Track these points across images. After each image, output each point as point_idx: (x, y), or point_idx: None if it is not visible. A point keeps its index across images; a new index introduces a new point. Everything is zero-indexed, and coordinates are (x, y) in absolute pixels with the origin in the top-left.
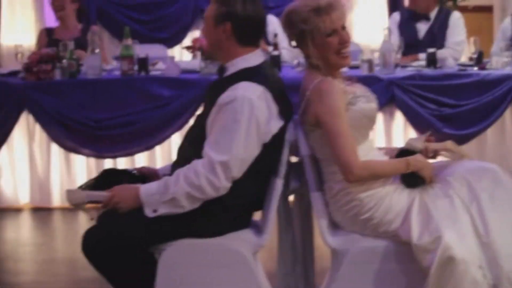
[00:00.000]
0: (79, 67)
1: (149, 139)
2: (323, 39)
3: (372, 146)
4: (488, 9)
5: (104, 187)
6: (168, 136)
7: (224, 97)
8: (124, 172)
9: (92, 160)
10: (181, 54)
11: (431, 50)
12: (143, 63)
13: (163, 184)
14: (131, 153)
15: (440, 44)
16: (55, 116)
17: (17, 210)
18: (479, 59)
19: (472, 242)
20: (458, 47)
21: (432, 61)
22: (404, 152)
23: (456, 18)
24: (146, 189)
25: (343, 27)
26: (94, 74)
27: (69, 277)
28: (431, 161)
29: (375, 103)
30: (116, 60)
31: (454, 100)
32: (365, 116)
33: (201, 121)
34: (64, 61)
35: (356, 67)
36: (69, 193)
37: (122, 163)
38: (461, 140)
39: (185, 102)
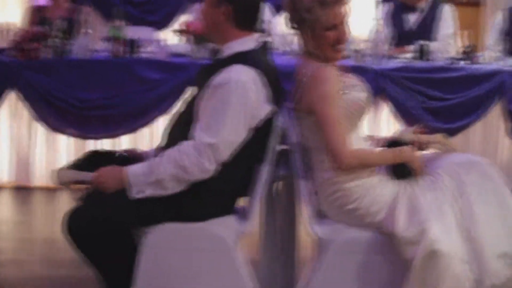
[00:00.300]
0: (70, 46)
1: (134, 121)
2: (322, 32)
3: (362, 136)
4: (478, 4)
5: (89, 168)
6: (153, 119)
7: (218, 79)
8: (110, 153)
9: (75, 141)
10: (171, 37)
11: (422, 42)
12: (132, 45)
13: (149, 165)
14: (115, 135)
15: (430, 36)
16: (43, 95)
17: None
18: (470, 53)
19: (458, 236)
20: (449, 39)
21: (422, 53)
22: (393, 143)
23: (447, 11)
24: (132, 170)
25: (344, 23)
26: (83, 54)
27: (47, 256)
28: (420, 153)
29: (367, 93)
30: (104, 41)
31: (442, 93)
32: (358, 105)
33: (192, 105)
34: (55, 40)
35: (345, 57)
36: (58, 172)
37: (106, 144)
38: (448, 133)
39: (173, 86)
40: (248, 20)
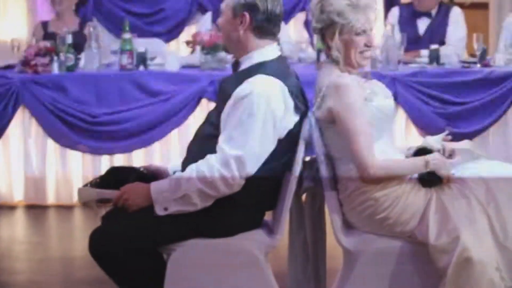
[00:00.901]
0: (77, 61)
1: (147, 135)
2: (351, 36)
3: (389, 142)
4: (484, 6)
5: (111, 185)
6: (167, 132)
7: (240, 90)
8: (132, 170)
9: (88, 157)
10: (178, 48)
11: (434, 46)
12: (142, 57)
13: (175, 181)
14: (129, 150)
15: (441, 40)
16: (52, 111)
17: (12, 208)
18: (482, 56)
19: (490, 244)
20: (460, 43)
21: (435, 57)
22: (421, 151)
23: (457, 14)
24: (156, 187)
25: (372, 29)
26: (92, 69)
27: (65, 276)
28: (448, 160)
29: (392, 100)
30: (114, 54)
31: (458, 98)
32: (382, 113)
33: (214, 117)
34: (62, 54)
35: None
36: (80, 191)
37: (119, 160)
38: (464, 138)
39: (185, 98)
40: (268, 28)
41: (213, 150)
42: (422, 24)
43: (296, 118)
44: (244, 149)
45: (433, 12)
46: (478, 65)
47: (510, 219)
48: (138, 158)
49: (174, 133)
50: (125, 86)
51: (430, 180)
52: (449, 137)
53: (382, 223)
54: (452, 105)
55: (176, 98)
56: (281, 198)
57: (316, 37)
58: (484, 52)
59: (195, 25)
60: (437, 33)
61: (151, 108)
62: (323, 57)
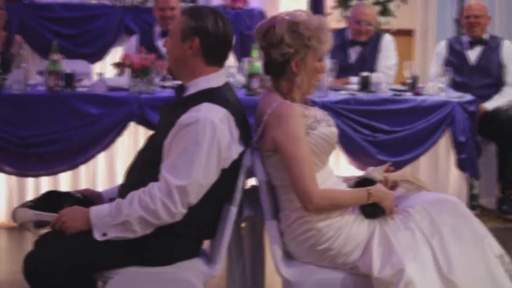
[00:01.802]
0: (4, 81)
1: (74, 158)
2: (314, 62)
3: (331, 172)
4: (409, 33)
5: (46, 209)
6: (94, 156)
7: (185, 118)
8: (67, 194)
9: (14, 179)
10: (104, 69)
11: (364, 73)
12: (70, 79)
13: (115, 206)
14: (55, 172)
15: (371, 68)
16: None
17: None
18: (413, 84)
19: (434, 276)
20: (390, 71)
21: (365, 84)
22: (363, 181)
23: (388, 42)
24: (96, 211)
25: None
26: (19, 89)
27: None
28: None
29: (335, 127)
30: (40, 75)
31: (389, 126)
32: (325, 141)
33: (155, 142)
34: None
35: None
36: (17, 211)
37: (45, 182)
38: (395, 166)
39: (113, 121)
40: (217, 54)
41: (153, 177)
42: (353, 52)
43: (240, 148)
44: (187, 179)
45: (366, 40)
46: (409, 94)
47: (454, 251)
48: (64, 181)
49: (101, 156)
50: (53, 108)
51: (373, 211)
52: (392, 168)
53: (324, 254)
54: (383, 133)
55: (104, 120)
56: (220, 227)
57: (247, 63)
58: (416, 80)
59: (121, 47)
60: (368, 61)
61: (79, 130)
62: (254, 83)
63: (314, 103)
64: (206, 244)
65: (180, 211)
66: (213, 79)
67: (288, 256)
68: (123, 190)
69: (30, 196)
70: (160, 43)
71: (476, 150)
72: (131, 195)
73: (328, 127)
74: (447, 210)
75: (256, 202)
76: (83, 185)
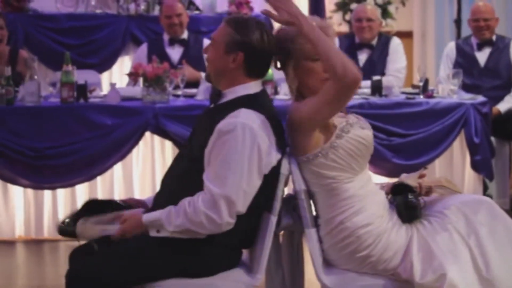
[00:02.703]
0: (16, 93)
1: (90, 169)
2: (308, 63)
3: (370, 178)
4: (408, 35)
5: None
6: (110, 166)
7: (224, 124)
8: (109, 202)
9: (30, 192)
10: (111, 79)
11: (376, 77)
12: (82, 90)
13: (166, 215)
14: (71, 184)
15: (381, 71)
16: None
17: None
18: (425, 87)
19: (474, 278)
20: (400, 74)
21: (377, 88)
22: (398, 187)
23: (396, 44)
24: (148, 217)
25: None
26: (32, 102)
27: None
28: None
29: (370, 130)
30: (52, 86)
31: (403, 130)
32: (360, 144)
33: (192, 149)
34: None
35: None
36: (81, 228)
37: (61, 195)
38: (409, 170)
39: (128, 131)
40: (259, 68)
41: (192, 184)
42: (362, 56)
43: (278, 155)
44: (232, 188)
45: (373, 43)
46: (421, 96)
47: (491, 251)
48: (81, 192)
49: (118, 166)
50: (67, 119)
51: (410, 215)
52: (425, 173)
53: (365, 261)
54: (397, 137)
55: (119, 131)
56: (260, 237)
57: None
58: (427, 83)
59: (128, 56)
60: (377, 65)
61: (93, 142)
62: (268, 90)
63: None
64: (244, 253)
65: (227, 221)
66: (250, 87)
67: (327, 263)
68: (159, 199)
69: (47, 208)
70: (170, 51)
71: (490, 151)
72: (179, 205)
73: (362, 130)
74: (482, 210)
75: (293, 210)
76: (99, 195)
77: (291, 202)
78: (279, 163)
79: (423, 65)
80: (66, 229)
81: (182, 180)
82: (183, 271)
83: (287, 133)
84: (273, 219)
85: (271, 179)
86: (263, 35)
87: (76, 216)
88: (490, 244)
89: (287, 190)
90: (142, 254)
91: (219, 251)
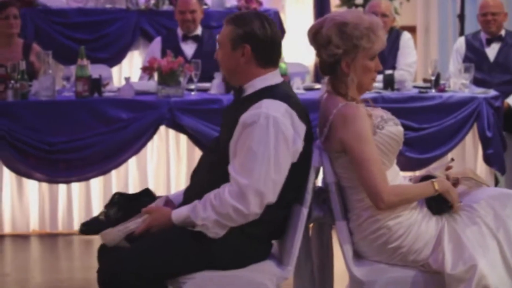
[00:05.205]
0: (30, 88)
1: (105, 163)
2: (365, 61)
3: (398, 171)
4: (411, 29)
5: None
6: (125, 160)
7: (247, 116)
8: (136, 196)
9: (45, 186)
10: (120, 73)
11: (388, 71)
12: (97, 84)
13: (193, 210)
14: (86, 178)
15: (391, 66)
16: (7, 139)
17: None
18: (437, 81)
19: (503, 270)
20: (411, 68)
21: (389, 82)
22: (425, 179)
23: (407, 39)
24: (176, 215)
25: None
26: (47, 96)
27: None
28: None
29: (401, 126)
30: (66, 80)
31: (417, 123)
32: (393, 140)
33: (220, 143)
34: (13, 81)
35: (311, 89)
36: (105, 236)
37: (76, 188)
38: (422, 164)
39: (143, 125)
40: (269, 56)
41: (221, 178)
42: None
43: (303, 142)
44: (259, 178)
45: (385, 37)
46: (433, 90)
47: None
48: (95, 186)
49: (132, 160)
50: (82, 114)
51: (440, 207)
52: (452, 165)
53: (395, 252)
54: (411, 130)
55: (134, 125)
56: (291, 229)
57: None
58: (439, 77)
59: (138, 51)
60: (388, 59)
61: (108, 136)
62: None
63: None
64: (274, 245)
65: (254, 211)
66: (270, 78)
67: (358, 256)
68: (189, 194)
69: (61, 202)
70: (183, 46)
71: (502, 145)
72: (204, 199)
73: (395, 126)
74: (511, 204)
75: (323, 203)
76: (114, 190)
77: (321, 194)
78: (309, 154)
79: (426, 59)
80: (89, 230)
81: (211, 174)
82: (214, 263)
83: (324, 125)
84: (305, 211)
85: (302, 171)
86: (263, 23)
87: (106, 216)
88: None
89: (317, 183)
90: (173, 248)
91: (251, 242)
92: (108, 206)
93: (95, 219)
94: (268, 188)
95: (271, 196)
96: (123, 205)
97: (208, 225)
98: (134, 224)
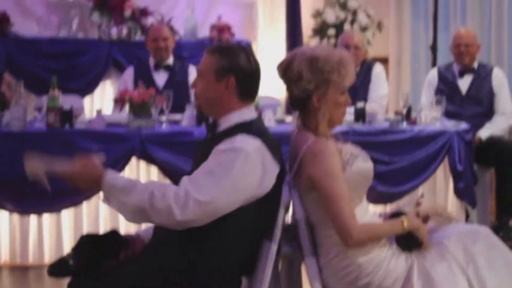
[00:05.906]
0: (1, 118)
1: (76, 195)
2: (336, 95)
3: (367, 207)
4: (384, 61)
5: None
6: (96, 192)
7: (221, 146)
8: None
9: (16, 217)
10: (92, 104)
11: (360, 104)
12: (68, 115)
13: (130, 187)
14: (57, 209)
15: (363, 98)
16: None
17: None
18: (408, 114)
19: None
20: (382, 101)
21: (361, 115)
22: (395, 216)
23: (379, 72)
24: (111, 181)
25: None
26: (19, 126)
27: None
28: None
29: (371, 162)
30: (37, 111)
31: (387, 157)
32: (363, 176)
33: None
34: None
35: (283, 121)
36: (28, 163)
37: (47, 219)
38: (393, 197)
39: (115, 157)
40: (250, 90)
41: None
42: None
43: (276, 181)
44: (208, 197)
45: (357, 70)
46: (405, 123)
47: (489, 280)
48: (66, 217)
49: None
50: (53, 145)
51: (409, 244)
52: (422, 201)
53: None
54: (381, 164)
55: (106, 157)
56: (260, 266)
57: None
58: (410, 110)
59: (110, 81)
60: (360, 91)
61: None
62: None
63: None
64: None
65: (185, 219)
66: (246, 113)
67: None
68: (158, 228)
69: (32, 234)
70: (155, 76)
71: (473, 179)
72: (147, 184)
73: (365, 162)
74: (481, 240)
75: (293, 239)
76: (85, 221)
77: (291, 230)
78: (279, 190)
79: (398, 91)
80: (57, 273)
81: None
82: None
83: (294, 161)
84: (274, 247)
85: (272, 207)
86: (248, 56)
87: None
88: (488, 274)
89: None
90: (143, 279)
91: (219, 276)
92: (75, 250)
93: (64, 261)
94: (207, 210)
95: (201, 218)
96: (90, 252)
97: (133, 209)
98: (61, 166)
